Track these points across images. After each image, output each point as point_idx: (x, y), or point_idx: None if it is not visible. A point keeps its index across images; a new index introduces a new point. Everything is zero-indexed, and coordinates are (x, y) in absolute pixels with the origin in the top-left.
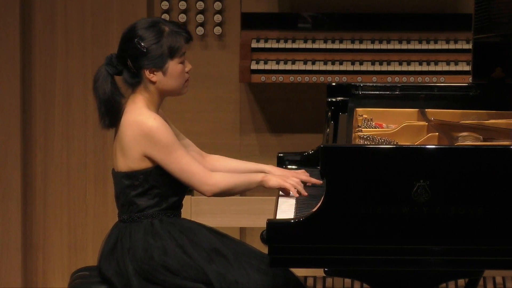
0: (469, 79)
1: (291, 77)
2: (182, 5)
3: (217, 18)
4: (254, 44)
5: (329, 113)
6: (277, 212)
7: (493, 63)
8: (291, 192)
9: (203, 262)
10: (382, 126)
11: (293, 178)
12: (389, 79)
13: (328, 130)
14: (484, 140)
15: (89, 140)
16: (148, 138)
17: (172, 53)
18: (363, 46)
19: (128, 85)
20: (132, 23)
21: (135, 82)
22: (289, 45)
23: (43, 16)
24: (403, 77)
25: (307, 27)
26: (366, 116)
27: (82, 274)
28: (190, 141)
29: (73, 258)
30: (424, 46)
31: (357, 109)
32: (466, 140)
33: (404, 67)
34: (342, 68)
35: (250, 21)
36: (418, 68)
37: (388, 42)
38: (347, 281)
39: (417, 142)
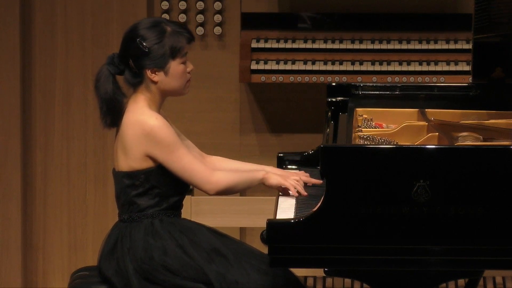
0: (469, 79)
1: (291, 77)
2: (182, 5)
3: (217, 18)
4: (254, 44)
5: (329, 113)
6: (277, 212)
7: (493, 63)
8: (290, 192)
9: (203, 262)
10: (382, 126)
11: (294, 177)
12: (389, 79)
13: (328, 130)
14: (484, 140)
15: (89, 140)
16: (150, 138)
17: (174, 53)
18: (363, 46)
19: (129, 84)
20: (135, 23)
21: (137, 82)
22: (289, 45)
23: (43, 16)
24: (403, 77)
25: (307, 27)
26: (366, 116)
27: (82, 274)
28: (191, 142)
29: (73, 258)
30: (424, 46)
31: (357, 109)
32: (466, 140)
33: (404, 67)
34: (342, 68)
35: (250, 21)
36: (418, 68)
37: (388, 42)
38: (347, 281)
39: (417, 142)
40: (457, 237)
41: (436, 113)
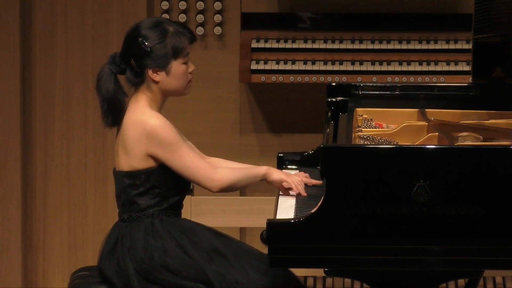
0: (469, 79)
1: (291, 77)
2: (182, 5)
3: (217, 18)
4: (254, 44)
5: (329, 113)
6: (277, 212)
7: (493, 63)
8: (291, 192)
9: (203, 262)
10: (382, 126)
11: (296, 176)
12: (389, 79)
13: (328, 130)
14: (484, 140)
15: (89, 140)
16: (152, 137)
17: (176, 53)
18: (363, 46)
19: (131, 84)
20: (137, 23)
21: (138, 81)
22: (289, 45)
23: (43, 16)
24: (403, 77)
25: (307, 27)
26: (366, 116)
27: (82, 274)
28: (191, 143)
29: (73, 258)
30: (424, 46)
31: (357, 109)
32: (466, 140)
33: (404, 67)
34: (342, 68)
35: (250, 21)
36: (418, 68)
37: (388, 42)
38: (347, 281)
39: (417, 142)
40: (457, 237)
41: (436, 113)
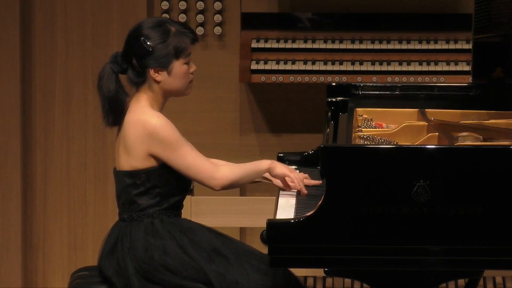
0: (469, 79)
1: (291, 77)
2: (182, 5)
3: (217, 18)
4: (254, 44)
5: (329, 113)
6: (277, 212)
7: (493, 63)
8: (293, 191)
9: (203, 262)
10: (382, 126)
11: (297, 173)
12: (389, 79)
13: (328, 130)
14: (484, 140)
15: (89, 140)
16: (153, 137)
17: (178, 53)
18: (363, 46)
19: (132, 84)
20: (139, 22)
21: (140, 81)
22: (289, 45)
23: (43, 16)
24: (403, 77)
25: (307, 27)
26: (366, 116)
27: (82, 274)
28: (192, 145)
29: (73, 258)
30: (424, 46)
31: (357, 109)
32: (466, 140)
33: (404, 67)
34: (342, 68)
35: (250, 21)
36: (418, 68)
37: (388, 42)
38: (347, 281)
39: (417, 142)
40: (457, 237)
41: (436, 113)
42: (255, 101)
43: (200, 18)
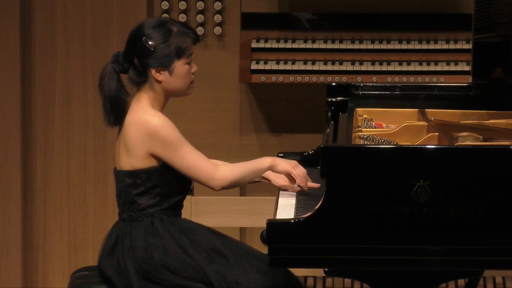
0: (469, 79)
1: (291, 77)
2: (182, 5)
3: (217, 18)
4: (254, 44)
5: (329, 113)
6: (277, 212)
7: (493, 63)
8: (294, 192)
9: (203, 262)
10: (382, 126)
11: (301, 168)
12: (389, 79)
13: (328, 130)
14: (484, 140)
15: (89, 140)
16: (154, 137)
17: (180, 53)
18: (363, 46)
19: (133, 83)
20: (141, 22)
21: (141, 80)
22: (289, 45)
23: (43, 16)
24: (403, 77)
25: (307, 27)
26: (366, 116)
27: (82, 274)
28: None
29: (73, 258)
30: (424, 46)
31: (357, 109)
32: (466, 140)
33: (404, 67)
34: (342, 68)
35: (250, 21)
36: (418, 68)
37: (388, 42)
38: (347, 281)
39: (417, 142)
40: (457, 237)
41: (436, 113)
42: (255, 101)
43: (200, 18)
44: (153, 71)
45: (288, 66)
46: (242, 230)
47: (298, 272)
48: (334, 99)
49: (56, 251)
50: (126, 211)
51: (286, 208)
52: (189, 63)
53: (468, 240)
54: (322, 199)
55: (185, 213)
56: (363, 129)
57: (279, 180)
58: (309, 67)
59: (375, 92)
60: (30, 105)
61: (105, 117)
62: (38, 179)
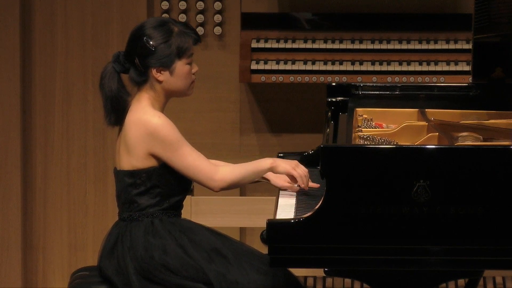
0: (469, 79)
1: (291, 77)
2: (182, 5)
3: (217, 18)
4: (254, 44)
5: (329, 113)
6: (277, 212)
7: (493, 63)
8: (294, 192)
9: (203, 262)
10: (382, 126)
11: (302, 167)
12: (389, 79)
13: (328, 130)
14: (484, 140)
15: (89, 140)
16: (154, 137)
17: (181, 53)
18: (363, 46)
19: (134, 83)
20: (142, 22)
21: (142, 80)
22: (289, 45)
23: (43, 16)
24: (403, 77)
25: (307, 27)
26: (366, 116)
27: (82, 274)
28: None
29: (73, 258)
30: (424, 46)
31: (357, 109)
32: (466, 140)
33: (404, 67)
34: (342, 68)
35: (250, 21)
36: (418, 68)
37: (388, 42)
38: (347, 281)
39: (417, 142)
40: (457, 237)
41: (436, 113)
42: (255, 101)
43: (200, 18)
44: (153, 71)
45: (288, 66)
46: (242, 230)
47: (298, 272)
48: (334, 99)
49: (56, 251)
50: (126, 211)
51: (286, 208)
52: (190, 63)
53: (468, 240)
54: (322, 199)
55: (185, 213)
56: (363, 129)
57: (279, 180)
58: (309, 67)
59: (375, 92)
60: (30, 105)
61: (105, 117)
62: (38, 179)
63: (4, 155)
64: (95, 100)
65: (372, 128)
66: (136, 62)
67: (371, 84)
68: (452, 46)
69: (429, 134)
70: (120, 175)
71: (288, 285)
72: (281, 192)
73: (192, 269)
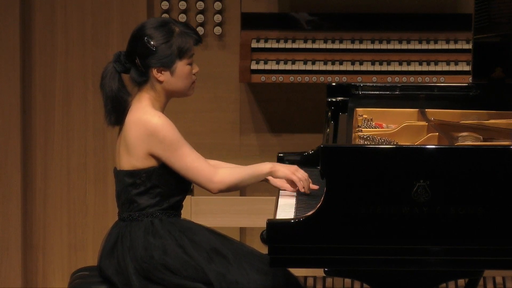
0: (469, 79)
1: (291, 77)
2: (182, 5)
3: (217, 18)
4: (254, 44)
5: (329, 113)
6: (277, 212)
7: (493, 63)
8: (294, 193)
9: (203, 262)
10: (382, 126)
11: (302, 172)
12: (389, 79)
13: (328, 130)
14: (484, 140)
15: (89, 140)
16: (153, 137)
17: (181, 53)
18: (363, 46)
19: (135, 83)
20: (143, 22)
21: (142, 80)
22: (289, 45)
23: (43, 16)
24: (403, 77)
25: (307, 27)
26: (366, 116)
27: (82, 274)
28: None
29: (73, 258)
30: (424, 46)
31: (357, 109)
32: (466, 140)
33: (404, 67)
34: (342, 68)
35: (250, 21)
36: (418, 68)
37: (388, 42)
38: (347, 281)
39: (417, 142)
40: (457, 237)
41: (436, 113)
42: (255, 101)
43: (200, 18)
44: (154, 71)
45: (288, 66)
46: (242, 230)
47: (298, 272)
48: (334, 99)
49: (56, 251)
50: (126, 210)
51: (286, 208)
52: (190, 64)
53: (468, 240)
54: (322, 199)
55: (185, 213)
56: (363, 129)
57: (278, 180)
58: (309, 67)
59: (375, 92)
60: (30, 105)
61: (106, 117)
62: (38, 179)
63: (4, 155)
64: (95, 100)
65: (372, 128)
66: (137, 62)
67: (371, 84)
68: (452, 46)
69: (429, 134)
70: (120, 175)
71: (288, 285)
72: (281, 192)
73: (192, 269)
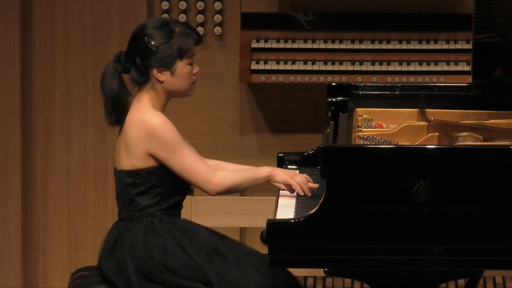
0: (469, 79)
1: (291, 77)
2: (182, 5)
3: (217, 18)
4: (254, 44)
5: (329, 113)
6: (277, 212)
7: (493, 63)
8: (294, 194)
9: (203, 262)
10: (382, 126)
11: (300, 176)
12: (389, 79)
13: (328, 130)
14: (484, 140)
15: (89, 140)
16: (153, 137)
17: (182, 53)
18: (363, 46)
19: (135, 83)
20: (143, 22)
21: (143, 80)
22: (289, 45)
23: (43, 16)
24: (403, 77)
25: (307, 27)
26: (366, 116)
27: (82, 274)
28: (192, 146)
29: (73, 258)
30: (424, 46)
31: (357, 109)
32: (466, 140)
33: (404, 67)
34: (342, 68)
35: (250, 21)
36: (418, 68)
37: (388, 42)
38: (347, 281)
39: (417, 142)
40: (457, 237)
41: (436, 113)
42: (255, 101)
43: (200, 18)
44: (154, 71)
45: (288, 66)
46: (242, 230)
47: (298, 272)
48: (334, 99)
49: (56, 251)
50: (126, 210)
51: (286, 208)
52: (191, 64)
53: (468, 240)
54: (322, 199)
55: (185, 213)
56: (363, 129)
57: None
58: (309, 67)
59: (375, 92)
60: (30, 105)
61: (106, 117)
62: (38, 179)
63: (4, 155)
64: (95, 100)
65: (372, 128)
66: (137, 62)
67: (371, 84)
68: (452, 46)
69: (429, 134)
70: (120, 175)
71: (288, 285)
72: (281, 192)
73: (191, 269)
